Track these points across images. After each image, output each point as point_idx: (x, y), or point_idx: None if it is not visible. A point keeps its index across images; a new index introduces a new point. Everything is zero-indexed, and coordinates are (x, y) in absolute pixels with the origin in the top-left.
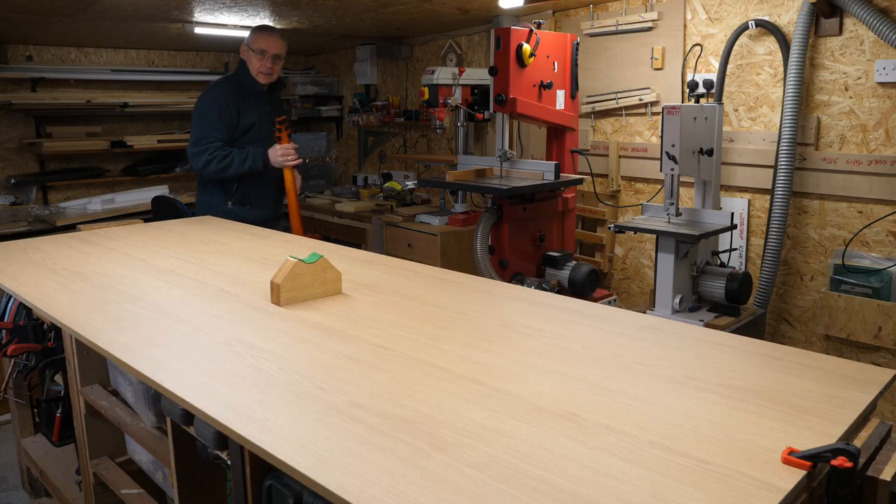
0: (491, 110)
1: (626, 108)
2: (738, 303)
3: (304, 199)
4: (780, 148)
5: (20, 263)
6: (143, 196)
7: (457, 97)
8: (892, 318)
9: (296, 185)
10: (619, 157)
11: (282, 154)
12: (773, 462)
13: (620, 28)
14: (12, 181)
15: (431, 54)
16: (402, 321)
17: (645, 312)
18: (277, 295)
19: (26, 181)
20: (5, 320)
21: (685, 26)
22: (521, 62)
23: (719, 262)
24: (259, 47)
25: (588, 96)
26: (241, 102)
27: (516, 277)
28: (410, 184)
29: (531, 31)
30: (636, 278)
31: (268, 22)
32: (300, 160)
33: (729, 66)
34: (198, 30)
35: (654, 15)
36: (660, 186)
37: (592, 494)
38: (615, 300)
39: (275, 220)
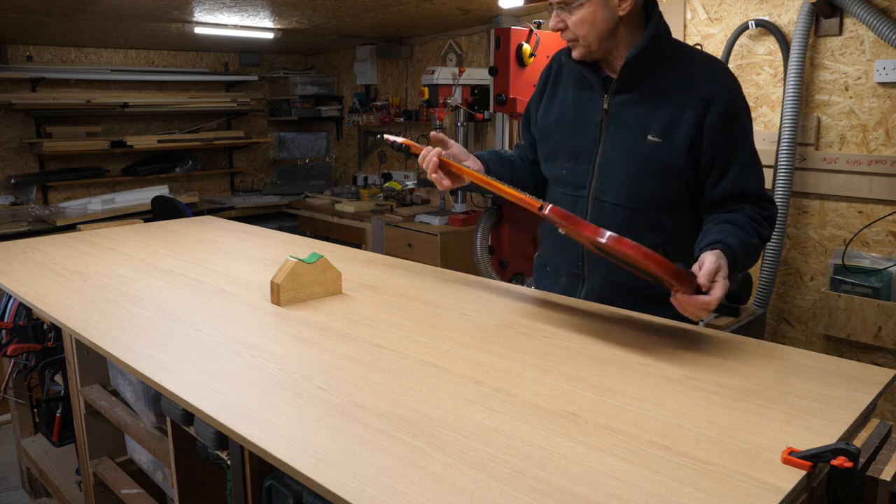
0: (491, 110)
1: None
2: (738, 303)
3: (305, 198)
4: (780, 148)
5: (20, 263)
6: (143, 196)
7: (457, 97)
8: (892, 318)
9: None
10: None
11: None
12: (773, 462)
13: None
14: (12, 181)
15: (431, 54)
16: (402, 321)
17: None
18: (277, 295)
19: (26, 181)
20: (5, 320)
21: (685, 26)
22: (521, 62)
23: None
24: None
25: None
26: (557, 84)
27: (516, 277)
28: (410, 184)
29: (531, 31)
30: None
31: (267, 22)
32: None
33: (729, 66)
34: (198, 30)
35: None
36: None
37: (592, 494)
38: None
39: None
